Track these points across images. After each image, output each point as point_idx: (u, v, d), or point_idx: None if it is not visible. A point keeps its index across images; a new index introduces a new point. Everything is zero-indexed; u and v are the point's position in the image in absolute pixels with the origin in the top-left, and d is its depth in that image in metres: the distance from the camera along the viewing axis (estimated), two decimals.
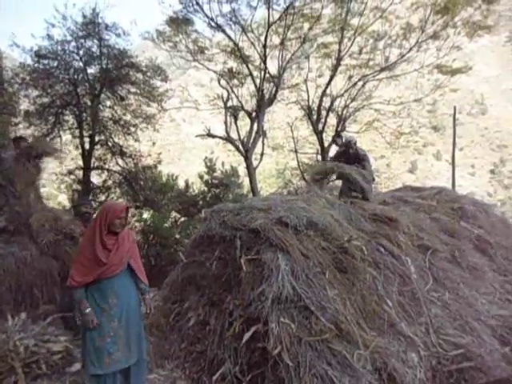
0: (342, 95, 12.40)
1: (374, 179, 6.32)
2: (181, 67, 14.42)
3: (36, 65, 11.82)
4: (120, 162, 13.24)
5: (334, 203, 4.94)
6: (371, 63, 12.17)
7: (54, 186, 16.63)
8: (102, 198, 13.68)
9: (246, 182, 14.98)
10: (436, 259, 4.65)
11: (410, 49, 11.24)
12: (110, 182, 13.67)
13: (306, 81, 12.97)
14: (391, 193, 7.38)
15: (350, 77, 12.37)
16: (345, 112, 12.55)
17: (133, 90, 12.95)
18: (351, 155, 6.03)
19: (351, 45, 11.79)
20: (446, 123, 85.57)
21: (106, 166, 13.31)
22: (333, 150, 12.78)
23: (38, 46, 11.89)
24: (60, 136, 12.62)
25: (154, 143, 13.83)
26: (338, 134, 7.88)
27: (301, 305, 3.42)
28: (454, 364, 3.51)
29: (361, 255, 3.97)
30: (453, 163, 8.88)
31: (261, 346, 3.40)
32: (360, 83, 12.25)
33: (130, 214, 2.78)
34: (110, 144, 13.07)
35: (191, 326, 4.31)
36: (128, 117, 13.21)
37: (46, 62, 11.95)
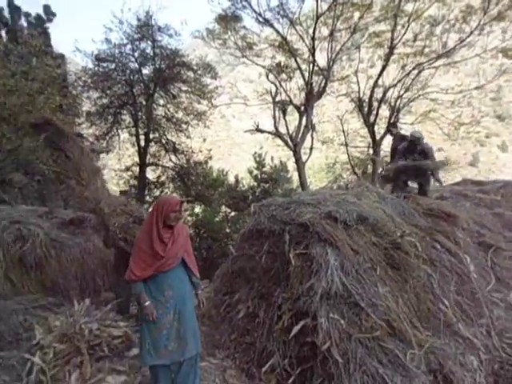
0: (395, 85, 11.83)
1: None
2: (230, 64, 14.61)
3: (96, 68, 12.61)
4: (173, 158, 13.79)
5: (386, 198, 4.77)
6: (427, 50, 11.48)
7: (113, 182, 17.69)
8: (157, 192, 14.34)
9: (295, 176, 14.88)
10: (499, 258, 4.34)
11: (471, 32, 10.41)
12: (163, 178, 14.29)
13: (356, 72, 12.55)
14: (449, 187, 6.98)
15: (404, 66, 11.76)
16: (398, 103, 11.97)
17: (184, 88, 13.39)
18: (418, 151, 5.70)
19: (405, 32, 11.18)
20: None
21: (160, 163, 13.92)
22: (385, 143, 12.30)
23: (98, 50, 12.68)
24: (118, 134, 13.39)
25: (204, 139, 14.20)
26: (393, 124, 7.54)
27: (351, 301, 3.36)
28: None
29: (414, 252, 3.81)
30: None
31: (310, 341, 3.39)
32: (414, 72, 11.60)
33: (183, 208, 2.84)
34: (163, 141, 13.65)
35: (241, 318, 4.39)
36: (180, 114, 13.70)
37: (105, 64, 12.71)
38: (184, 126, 13.57)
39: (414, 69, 11.57)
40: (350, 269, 3.52)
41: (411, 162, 5.41)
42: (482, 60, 11.56)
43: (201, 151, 14.08)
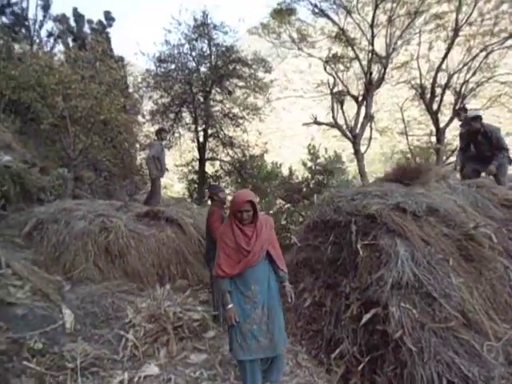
0: (461, 70, 11.17)
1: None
2: (279, 56, 14.66)
3: (158, 69, 13.31)
4: (230, 152, 14.22)
5: (457, 188, 4.65)
6: (496, 30, 10.69)
7: (170, 177, 18.58)
8: None
9: (350, 167, 14.68)
10: None
11: None
12: (221, 172, 14.79)
13: (417, 58, 12.02)
14: None
15: (470, 48, 11.06)
16: (464, 88, 11.31)
17: (240, 83, 13.70)
18: (481, 133, 5.43)
19: (472, 12, 10.49)
20: None
21: (218, 157, 14.41)
22: (448, 131, 11.72)
23: (159, 51, 13.36)
24: (179, 131, 14.07)
25: (260, 133, 14.48)
26: (463, 108, 7.13)
27: (422, 291, 3.38)
28: None
29: (489, 243, 3.71)
30: None
31: (380, 329, 3.46)
32: (482, 54, 10.85)
33: (256, 209, 2.75)
34: (220, 136, 14.11)
35: (307, 307, 4.54)
36: (236, 110, 14.05)
37: (165, 65, 13.37)
38: (240, 121, 13.93)
39: (481, 51, 10.85)
40: (421, 259, 3.53)
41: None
42: None
43: (257, 145, 14.38)
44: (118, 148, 12.05)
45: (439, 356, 3.04)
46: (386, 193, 4.30)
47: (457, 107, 10.81)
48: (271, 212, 15.31)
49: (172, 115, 13.70)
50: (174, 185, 21.68)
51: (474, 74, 11.18)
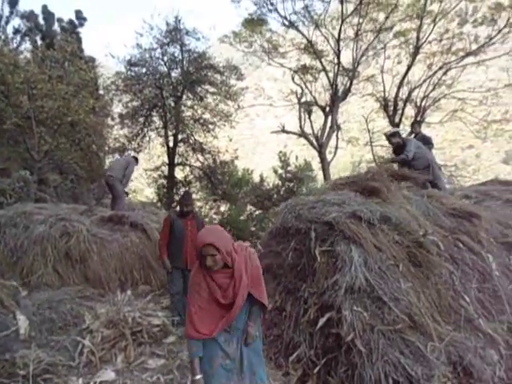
0: (421, 85, 11.78)
1: None
2: (253, 64, 14.90)
3: (128, 72, 13.19)
4: (200, 157, 14.25)
5: (411, 198, 4.91)
6: (454, 49, 11.37)
7: (140, 181, 18.33)
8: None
9: (320, 175, 15.04)
10: None
11: (500, 30, 10.26)
12: (191, 177, 14.77)
13: (382, 71, 12.56)
14: (476, 187, 7.00)
15: (430, 65, 11.69)
16: (424, 102, 11.91)
17: (211, 89, 13.79)
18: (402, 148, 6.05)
19: (431, 31, 11.12)
20: None
21: (188, 162, 14.39)
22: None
23: (130, 54, 13.26)
24: (148, 135, 13.96)
25: (230, 139, 14.60)
26: (416, 121, 7.71)
27: (374, 295, 3.55)
28: None
29: (437, 250, 3.95)
30: None
31: (334, 332, 3.61)
32: (441, 71, 11.50)
33: (224, 252, 2.18)
34: (191, 141, 14.13)
35: (268, 312, 4.64)
36: (207, 115, 14.11)
37: (136, 69, 13.27)
38: (211, 127, 14.00)
39: (440, 68, 11.50)
40: (373, 265, 3.71)
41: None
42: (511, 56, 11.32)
43: (227, 151, 14.49)
44: (85, 150, 11.80)
45: (386, 357, 3.21)
46: (344, 201, 4.49)
47: (413, 121, 11.38)
48: (241, 218, 15.44)
49: (142, 119, 13.60)
50: (144, 189, 21.42)
51: (433, 89, 11.81)
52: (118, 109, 14.02)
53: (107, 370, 3.36)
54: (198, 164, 14.31)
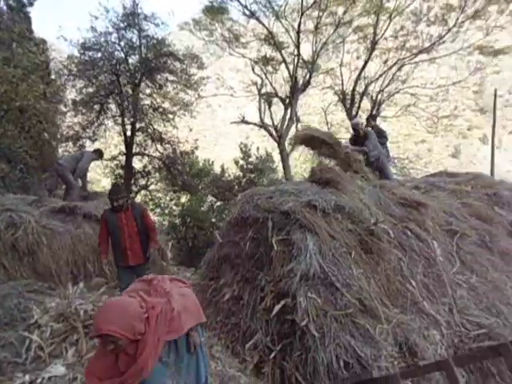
0: (377, 79, 12.18)
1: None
2: (215, 54, 14.69)
3: (82, 56, 12.54)
4: (159, 147, 13.89)
5: (365, 188, 5.09)
6: (408, 46, 11.83)
7: (97, 171, 17.64)
8: (143, 182, 14.48)
9: (281, 166, 15.18)
10: (464, 243, 4.71)
11: (449, 30, 10.80)
12: (150, 167, 14.38)
13: (340, 65, 12.83)
14: (425, 178, 7.37)
15: (386, 60, 12.10)
16: (379, 96, 12.32)
17: (171, 78, 13.43)
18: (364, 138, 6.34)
19: (387, 28, 11.49)
20: (493, 105, 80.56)
21: (147, 152, 13.99)
22: None
23: (84, 38, 12.59)
24: (104, 124, 13.40)
25: (191, 129, 14.34)
26: (371, 115, 8.02)
27: (327, 282, 3.67)
28: (476, 343, 3.64)
29: (387, 238, 4.14)
30: (492, 148, 8.60)
31: (290, 319, 3.70)
32: (396, 67, 11.94)
33: (128, 335, 1.87)
34: (149, 131, 13.71)
35: (226, 301, 4.69)
36: (166, 104, 13.76)
37: (90, 53, 12.64)
38: (170, 116, 13.67)
39: (395, 64, 11.92)
40: (327, 253, 3.83)
41: None
42: (461, 56, 11.97)
43: (187, 141, 14.22)
44: (35, 138, 11.16)
45: (338, 340, 3.34)
46: (300, 191, 4.58)
47: (373, 113, 11.76)
48: (202, 209, 15.30)
49: (97, 106, 13.01)
50: (101, 180, 20.65)
51: (388, 84, 12.24)
52: (71, 95, 13.32)
53: (57, 364, 3.24)
54: (157, 154, 13.94)
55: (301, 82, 11.88)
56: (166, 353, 2.12)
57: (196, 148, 14.48)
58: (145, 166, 14.28)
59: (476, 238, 4.95)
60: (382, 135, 7.04)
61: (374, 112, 11.99)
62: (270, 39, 11.57)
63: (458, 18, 10.46)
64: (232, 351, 4.16)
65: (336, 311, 3.49)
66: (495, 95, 8.54)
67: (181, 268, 9.72)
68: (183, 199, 15.70)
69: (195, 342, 2.32)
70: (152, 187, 15.07)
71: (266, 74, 12.46)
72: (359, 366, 3.15)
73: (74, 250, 5.46)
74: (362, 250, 3.99)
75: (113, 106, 13.46)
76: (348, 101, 12.39)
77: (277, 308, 3.76)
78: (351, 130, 6.95)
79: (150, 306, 2.00)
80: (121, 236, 4.34)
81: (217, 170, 17.52)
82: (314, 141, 6.08)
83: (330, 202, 4.23)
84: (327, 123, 13.89)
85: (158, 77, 13.42)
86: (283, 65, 12.18)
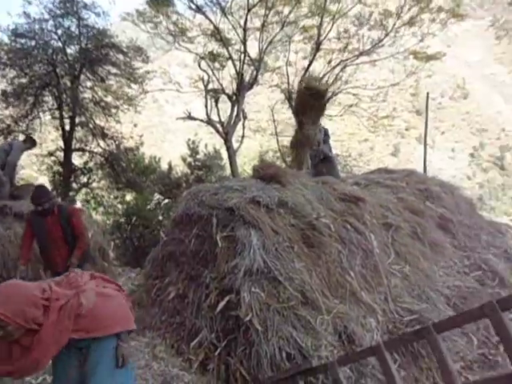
0: (321, 79, 12.56)
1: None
2: (162, 48, 14.30)
3: (13, 44, 11.59)
4: (101, 143, 13.23)
5: (307, 184, 5.23)
6: (350, 48, 12.35)
7: (33, 168, 16.48)
8: (84, 179, 13.74)
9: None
10: (398, 235, 5.02)
11: (387, 34, 11.43)
12: (91, 164, 13.67)
13: (286, 64, 13.06)
14: (365, 175, 7.74)
15: (330, 61, 12.53)
16: None
17: (113, 71, 12.84)
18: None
19: (330, 29, 11.90)
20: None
21: (88, 148, 13.28)
22: None
23: (15, 24, 11.64)
24: (39, 117, 12.50)
25: (135, 125, 13.83)
26: None
27: (270, 276, 3.74)
28: (408, 327, 3.90)
29: (328, 232, 4.30)
30: (424, 147, 9.25)
31: (234, 314, 3.71)
32: (339, 67, 12.42)
33: (19, 321, 1.69)
34: (91, 125, 13.02)
35: (171, 300, 4.61)
36: (109, 98, 13.15)
37: (23, 41, 11.72)
38: (113, 111, 13.07)
39: (338, 64, 12.38)
40: (270, 248, 3.90)
41: None
42: (398, 60, 12.73)
43: (131, 137, 13.69)
44: None
45: (281, 332, 3.41)
46: (245, 187, 4.60)
47: None
48: (148, 207, 14.87)
49: (31, 98, 12.10)
50: (38, 178, 19.31)
51: (331, 84, 12.67)
52: (1, 85, 12.28)
53: None
54: (99, 150, 13.26)
55: (247, 79, 11.92)
56: (70, 353, 1.96)
57: (141, 144, 14.00)
58: (86, 163, 13.53)
59: (409, 231, 5.30)
60: (325, 134, 7.28)
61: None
62: (217, 35, 11.48)
63: (394, 24, 11.12)
64: (177, 350, 4.10)
65: (279, 304, 3.56)
66: (427, 98, 9.21)
67: (126, 269, 9.39)
68: (128, 197, 15.15)
69: (123, 354, 2.07)
70: (94, 185, 14.35)
71: (212, 70, 12.34)
72: (301, 357, 3.25)
73: (3, 252, 5.05)
74: (304, 243, 4.11)
75: (49, 99, 12.60)
76: (294, 99, 12.65)
77: (221, 305, 3.76)
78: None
79: (54, 296, 1.84)
80: (47, 241, 4.02)
81: (164, 167, 17.13)
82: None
83: (273, 198, 4.30)
84: (274, 121, 14.10)
85: (100, 69, 12.77)
86: (231, 62, 12.15)
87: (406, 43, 11.81)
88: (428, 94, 9.30)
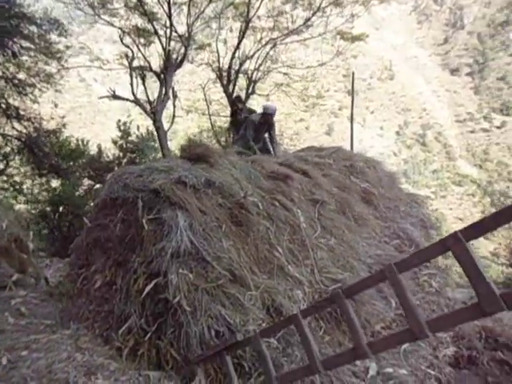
0: (251, 57, 12.47)
1: None
2: (86, 22, 13.20)
3: None
4: (17, 125, 12.04)
5: (236, 163, 5.22)
6: (281, 27, 12.36)
7: None
8: (0, 166, 12.52)
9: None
10: (325, 210, 5.25)
11: (314, 13, 11.60)
12: (8, 149, 12.44)
13: (216, 41, 12.76)
14: (295, 153, 7.93)
15: (260, 39, 12.46)
16: (255, 75, 12.69)
17: (26, 45, 11.61)
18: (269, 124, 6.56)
19: (259, 7, 11.78)
20: (358, 87, 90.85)
21: (1, 131, 12.02)
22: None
23: None
24: None
25: (56, 105, 12.75)
26: (236, 97, 8.20)
27: (198, 257, 3.72)
28: None
29: (256, 210, 4.35)
30: (351, 125, 9.71)
31: (163, 297, 3.66)
32: (269, 46, 12.40)
33: None
34: (3, 106, 11.76)
35: (98, 288, 4.44)
36: (22, 75, 11.91)
37: None
38: (28, 89, 11.89)
39: (267, 43, 12.35)
40: (197, 228, 3.86)
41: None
42: (327, 40, 13.03)
43: (52, 118, 12.62)
44: None
45: (210, 311, 3.43)
46: (171, 167, 4.47)
47: (249, 91, 12.12)
48: (78, 194, 13.99)
49: None
50: None
51: (261, 63, 12.66)
52: None
53: None
54: (14, 133, 12.06)
55: (176, 56, 11.45)
56: None
57: (64, 126, 12.97)
58: (0, 148, 12.28)
59: (335, 205, 5.56)
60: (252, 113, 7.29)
61: (250, 90, 12.35)
62: (140, 8, 10.79)
63: (321, 3, 11.30)
64: (107, 339, 3.97)
65: (207, 284, 3.56)
66: (353, 77, 9.59)
67: (53, 259, 8.86)
68: (54, 184, 14.13)
69: None
70: (13, 171, 13.13)
71: (138, 46, 11.65)
72: (229, 333, 3.30)
73: None
74: (232, 223, 4.12)
75: None
76: (225, 78, 12.46)
77: (148, 288, 3.67)
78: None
79: None
80: None
81: (94, 150, 16.18)
82: None
83: (200, 178, 4.24)
84: (206, 100, 13.80)
85: (10, 43, 11.48)
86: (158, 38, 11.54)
87: (334, 23, 12.09)
88: (353, 73, 9.69)
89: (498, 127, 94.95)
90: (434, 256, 1.97)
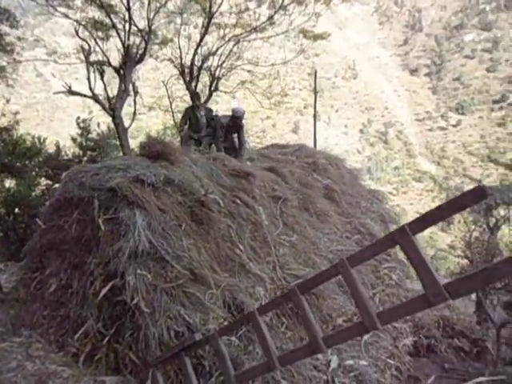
0: (214, 54, 12.34)
1: None
2: (41, 13, 12.53)
3: None
4: None
5: (197, 161, 5.15)
6: (244, 23, 12.29)
7: None
8: None
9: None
10: (287, 207, 5.29)
11: (276, 11, 11.63)
12: None
13: (178, 37, 12.50)
14: (258, 150, 7.95)
15: (223, 36, 12.33)
16: (218, 71, 12.57)
17: None
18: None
19: (221, 3, 11.66)
20: (323, 86, 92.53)
21: None
22: None
23: None
24: None
25: (8, 100, 12.06)
26: (195, 93, 8.18)
27: (157, 256, 3.64)
28: None
29: (217, 207, 4.31)
30: (314, 123, 9.86)
31: (120, 299, 3.55)
32: (232, 43, 12.31)
33: None
34: None
35: (53, 292, 4.26)
36: None
37: None
38: None
39: (229, 40, 12.25)
40: (156, 227, 3.77)
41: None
42: (289, 38, 13.11)
43: (4, 114, 11.92)
44: None
45: (169, 312, 3.36)
46: (129, 166, 4.34)
47: (212, 88, 12.00)
48: (34, 194, 13.36)
49: None
50: None
51: (225, 60, 12.54)
52: None
53: None
54: None
55: (136, 51, 11.11)
56: None
57: (17, 123, 12.29)
58: None
59: (297, 202, 5.62)
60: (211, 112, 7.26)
61: (213, 87, 12.23)
62: (97, 0, 10.36)
63: (283, 1, 11.35)
64: (62, 345, 3.81)
65: (166, 284, 3.49)
66: (315, 75, 9.72)
67: (8, 264, 8.41)
68: (8, 184, 13.39)
69: None
70: None
71: (95, 40, 11.19)
72: (189, 333, 3.25)
73: None
74: (192, 221, 4.06)
75: None
76: (188, 74, 12.24)
77: (104, 290, 3.56)
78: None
79: None
80: None
81: (52, 148, 15.47)
82: None
83: (159, 176, 4.14)
84: (169, 97, 13.53)
85: None
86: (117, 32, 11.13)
87: (297, 21, 12.17)
88: (316, 72, 9.84)
89: (453, 126, 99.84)
90: (384, 249, 2.03)
